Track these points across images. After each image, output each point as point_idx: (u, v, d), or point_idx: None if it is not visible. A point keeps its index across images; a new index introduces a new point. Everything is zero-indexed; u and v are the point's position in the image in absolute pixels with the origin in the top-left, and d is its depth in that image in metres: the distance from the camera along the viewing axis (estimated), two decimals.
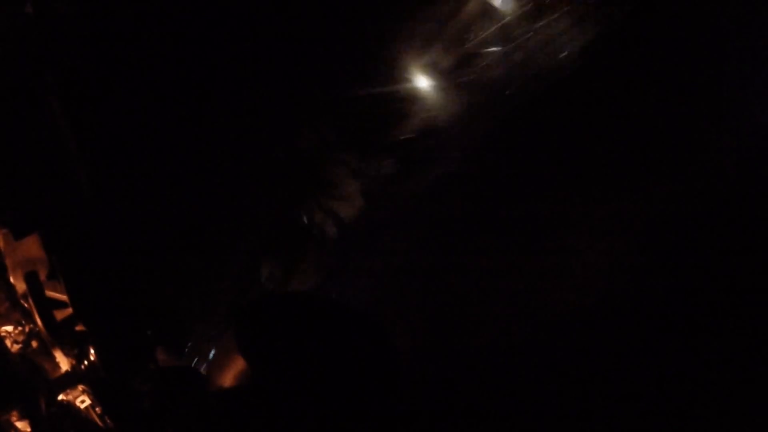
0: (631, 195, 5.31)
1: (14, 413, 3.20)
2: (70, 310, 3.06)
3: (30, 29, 3.05)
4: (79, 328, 3.07)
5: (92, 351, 3.01)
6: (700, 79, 5.83)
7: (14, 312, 3.48)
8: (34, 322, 3.23)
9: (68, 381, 3.31)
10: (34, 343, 3.47)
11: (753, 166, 4.58)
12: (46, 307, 3.02)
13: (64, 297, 3.09)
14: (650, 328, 4.12)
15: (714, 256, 4.18)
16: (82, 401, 3.38)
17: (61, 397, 3.38)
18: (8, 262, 3.10)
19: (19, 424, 3.25)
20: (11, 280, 3.20)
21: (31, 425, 3.19)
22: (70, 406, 3.41)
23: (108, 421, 3.23)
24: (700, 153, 5.10)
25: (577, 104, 7.75)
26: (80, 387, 3.32)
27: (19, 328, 3.52)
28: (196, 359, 3.43)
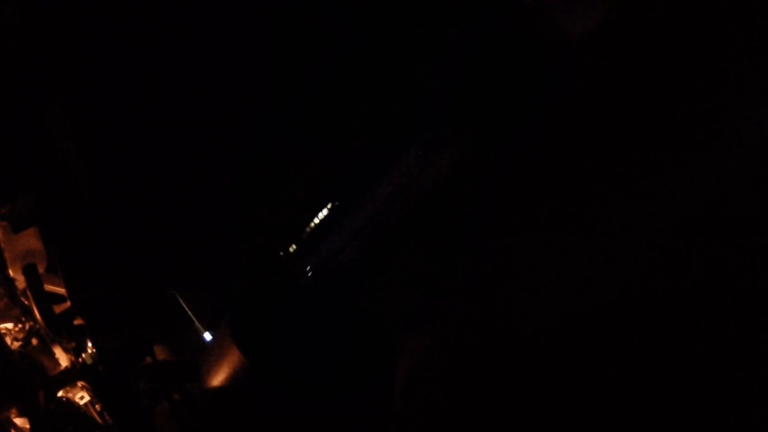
0: (632, 195, 5.30)
1: (13, 410, 3.19)
2: (68, 304, 3.06)
3: (34, 23, 3.06)
4: (77, 322, 3.07)
5: (90, 345, 3.01)
6: (701, 81, 5.83)
7: (14, 308, 3.49)
8: (34, 319, 3.23)
9: (68, 378, 3.31)
10: (34, 341, 3.47)
11: (754, 166, 4.57)
12: (45, 300, 3.02)
13: (62, 291, 3.09)
14: (650, 329, 4.10)
15: (714, 255, 4.16)
16: (82, 398, 3.38)
17: (60, 393, 3.37)
18: (7, 255, 3.10)
19: (18, 421, 3.25)
20: (10, 274, 3.21)
21: (30, 422, 3.19)
22: (69, 402, 3.41)
23: (107, 417, 3.23)
24: (701, 154, 5.09)
25: (578, 105, 7.78)
26: (79, 384, 3.32)
27: (19, 326, 3.52)
28: (192, 353, 3.42)
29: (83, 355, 3.08)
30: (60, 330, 3.03)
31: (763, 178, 4.38)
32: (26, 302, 3.34)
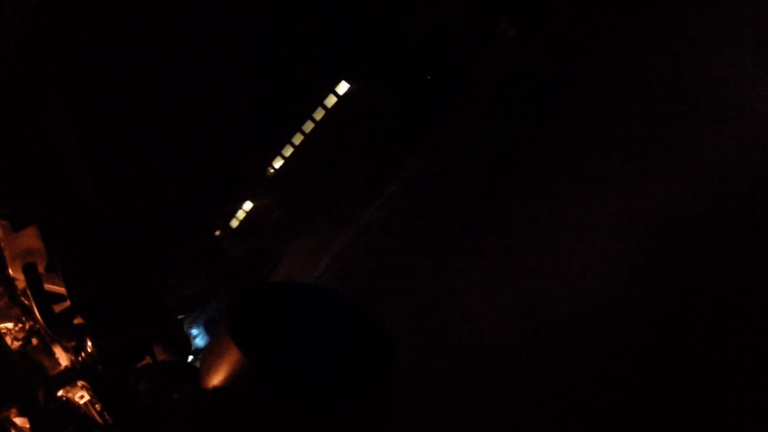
0: (631, 195, 5.31)
1: (13, 410, 3.19)
2: (68, 304, 3.05)
3: (34, 22, 3.06)
4: (77, 321, 3.06)
5: (89, 344, 3.00)
6: (701, 81, 5.84)
7: (14, 308, 3.48)
8: (34, 319, 3.23)
9: (68, 377, 3.31)
10: (34, 340, 3.46)
11: (753, 166, 4.57)
12: (45, 299, 3.02)
13: (62, 290, 3.09)
14: (650, 329, 4.11)
15: (714, 256, 4.17)
16: (81, 397, 3.38)
17: (60, 393, 3.37)
18: (7, 254, 3.10)
19: (18, 421, 3.24)
20: (10, 273, 3.20)
21: (30, 422, 3.19)
22: (69, 402, 3.40)
23: (107, 417, 3.22)
24: (700, 153, 5.10)
25: (578, 105, 7.78)
26: (80, 383, 3.31)
27: (19, 325, 3.52)
28: (191, 353, 3.42)
29: (83, 354, 3.07)
30: (60, 329, 3.02)
31: (763, 178, 4.39)
32: (26, 302, 3.34)
